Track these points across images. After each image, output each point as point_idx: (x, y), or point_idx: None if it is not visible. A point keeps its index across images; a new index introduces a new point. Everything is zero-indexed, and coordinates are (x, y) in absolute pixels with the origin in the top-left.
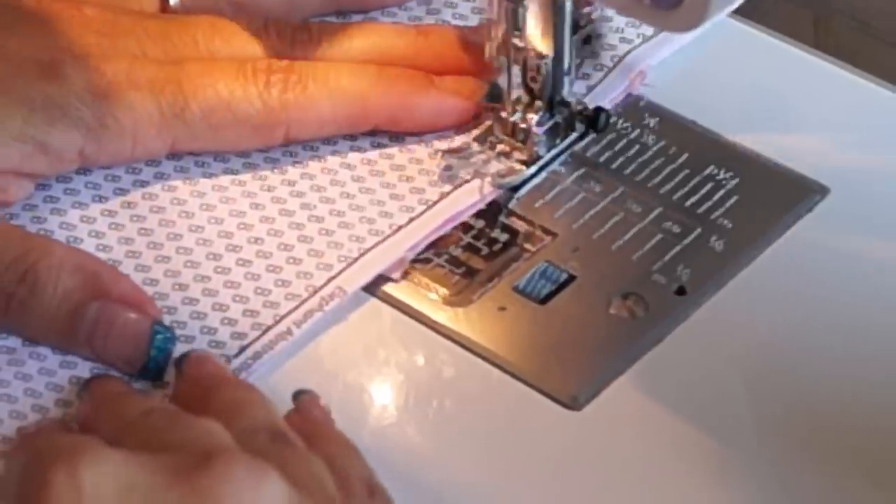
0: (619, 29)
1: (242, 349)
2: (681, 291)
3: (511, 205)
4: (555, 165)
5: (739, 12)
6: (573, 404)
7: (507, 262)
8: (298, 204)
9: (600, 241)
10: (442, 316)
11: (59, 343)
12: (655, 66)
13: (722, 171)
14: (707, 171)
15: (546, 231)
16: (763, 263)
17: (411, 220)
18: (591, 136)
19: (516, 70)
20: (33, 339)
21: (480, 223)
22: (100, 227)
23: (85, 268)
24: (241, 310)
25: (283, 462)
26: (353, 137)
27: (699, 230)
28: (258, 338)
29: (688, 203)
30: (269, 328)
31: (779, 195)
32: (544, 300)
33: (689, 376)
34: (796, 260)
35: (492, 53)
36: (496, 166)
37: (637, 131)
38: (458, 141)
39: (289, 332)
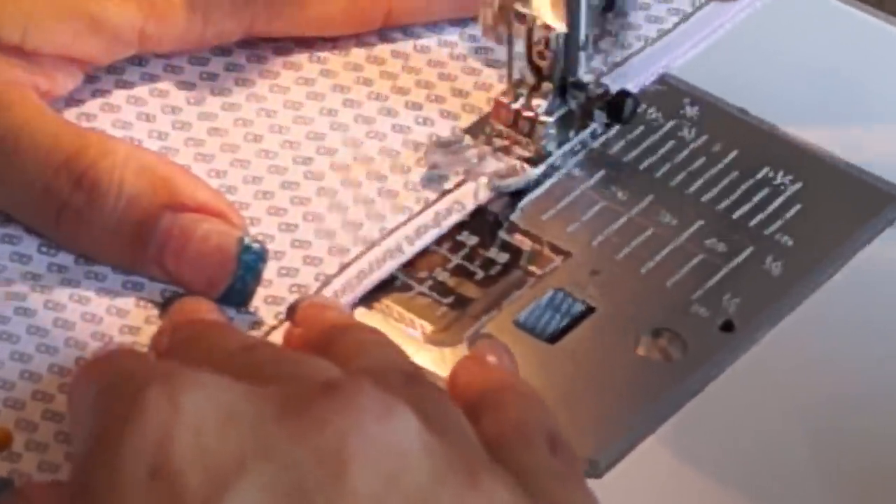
0: None
1: None
2: (727, 327)
3: (513, 216)
4: (568, 166)
5: None
6: (592, 471)
7: (507, 289)
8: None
9: (625, 263)
10: (425, 358)
11: (123, 261)
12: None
13: (780, 174)
14: (761, 175)
15: (556, 250)
16: (831, 291)
17: (372, 245)
18: (614, 128)
19: (519, 44)
20: (91, 256)
21: (474, 239)
22: (161, 126)
23: (154, 170)
24: None
25: (419, 403)
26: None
27: (751, 249)
28: None
29: (736, 215)
30: None
31: (852, 204)
32: (554, 338)
33: (737, 435)
34: (873, 286)
35: (488, 22)
36: (494, 165)
37: (672, 123)
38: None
39: None
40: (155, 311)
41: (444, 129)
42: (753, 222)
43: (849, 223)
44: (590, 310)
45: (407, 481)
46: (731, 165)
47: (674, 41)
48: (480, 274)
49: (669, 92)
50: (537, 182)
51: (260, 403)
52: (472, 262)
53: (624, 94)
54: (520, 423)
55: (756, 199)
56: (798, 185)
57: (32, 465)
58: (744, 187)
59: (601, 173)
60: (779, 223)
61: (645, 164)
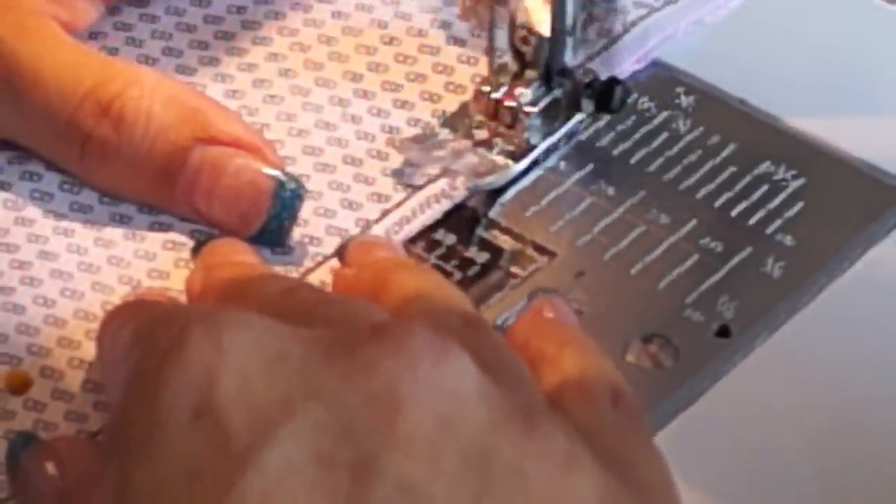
0: None
1: None
2: (724, 333)
3: (493, 213)
4: (553, 159)
5: None
6: None
7: (486, 291)
8: None
9: (614, 264)
10: None
11: (150, 197)
12: (691, 24)
13: (781, 169)
14: (761, 169)
15: (540, 249)
16: (836, 295)
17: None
18: (603, 118)
19: (500, 28)
20: (116, 192)
21: (451, 238)
22: (189, 62)
23: (185, 100)
24: None
25: (476, 348)
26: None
27: (749, 249)
28: None
29: (734, 212)
30: None
31: (858, 202)
32: None
33: (732, 448)
34: (881, 289)
35: (466, 4)
36: (473, 160)
37: (665, 114)
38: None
39: None
40: (184, 255)
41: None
42: (752, 221)
43: (855, 222)
44: (576, 314)
45: (462, 426)
46: (728, 159)
47: (665, 20)
48: (458, 275)
49: (663, 79)
50: (520, 177)
51: (308, 345)
52: (449, 262)
53: (613, 81)
54: (580, 376)
55: (755, 195)
56: (801, 181)
57: (59, 415)
58: (742, 183)
59: (589, 167)
60: (780, 222)
61: (636, 157)
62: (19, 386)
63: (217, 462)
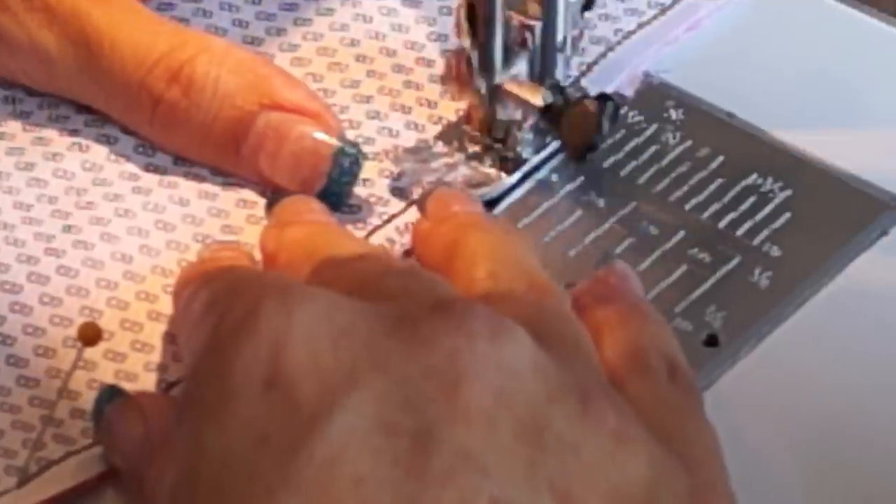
0: None
1: None
2: (712, 341)
3: None
4: (544, 172)
5: None
6: None
7: None
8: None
9: None
10: None
11: (217, 159)
12: (681, 39)
13: (768, 181)
14: (748, 181)
15: None
16: (822, 304)
17: None
18: (594, 133)
19: (494, 43)
20: (184, 155)
21: None
22: (256, 32)
23: (251, 68)
24: None
25: (537, 317)
26: None
27: (737, 259)
28: None
29: (722, 223)
30: None
31: (844, 213)
32: None
33: (725, 451)
34: (864, 298)
35: (459, 19)
36: (466, 173)
37: (655, 127)
38: (414, 138)
39: None
40: (256, 212)
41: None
42: (740, 231)
43: (841, 233)
44: None
45: (518, 400)
46: (716, 172)
47: (654, 34)
48: None
49: (652, 94)
50: (512, 189)
51: (373, 320)
52: None
53: (604, 97)
54: (639, 348)
55: (743, 207)
56: (787, 193)
57: (139, 365)
58: (730, 195)
59: (580, 180)
60: (767, 232)
61: (626, 169)
62: (91, 336)
63: (284, 429)
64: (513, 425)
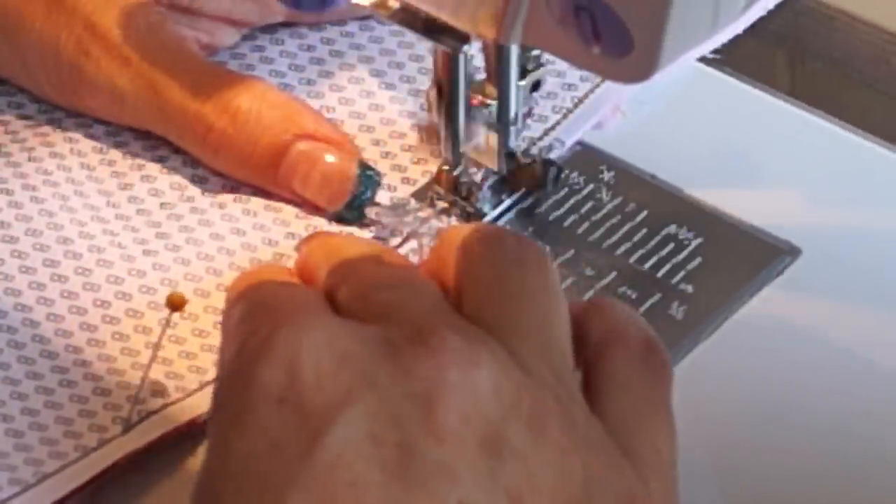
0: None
1: None
2: None
3: None
4: (500, 224)
5: (702, 56)
6: None
7: None
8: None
9: None
10: None
11: (256, 179)
12: (609, 118)
13: (683, 231)
14: (667, 231)
15: None
16: (727, 333)
17: None
18: (541, 191)
19: (459, 119)
20: (229, 175)
21: None
22: (310, 75)
23: (288, 103)
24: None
25: (510, 349)
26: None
27: (658, 296)
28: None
29: (646, 266)
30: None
31: (745, 257)
32: None
33: None
34: (765, 328)
35: (430, 101)
36: (436, 224)
37: (591, 186)
38: (393, 198)
39: None
40: (292, 228)
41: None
42: (660, 273)
43: (744, 273)
44: None
45: (479, 419)
46: (641, 223)
47: (588, 111)
48: None
49: (588, 158)
50: None
51: (368, 346)
52: None
53: (548, 162)
54: (619, 324)
55: (663, 252)
56: (699, 241)
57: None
58: (652, 242)
59: (530, 230)
60: (682, 273)
61: (567, 221)
62: (178, 303)
63: (293, 437)
64: (477, 440)
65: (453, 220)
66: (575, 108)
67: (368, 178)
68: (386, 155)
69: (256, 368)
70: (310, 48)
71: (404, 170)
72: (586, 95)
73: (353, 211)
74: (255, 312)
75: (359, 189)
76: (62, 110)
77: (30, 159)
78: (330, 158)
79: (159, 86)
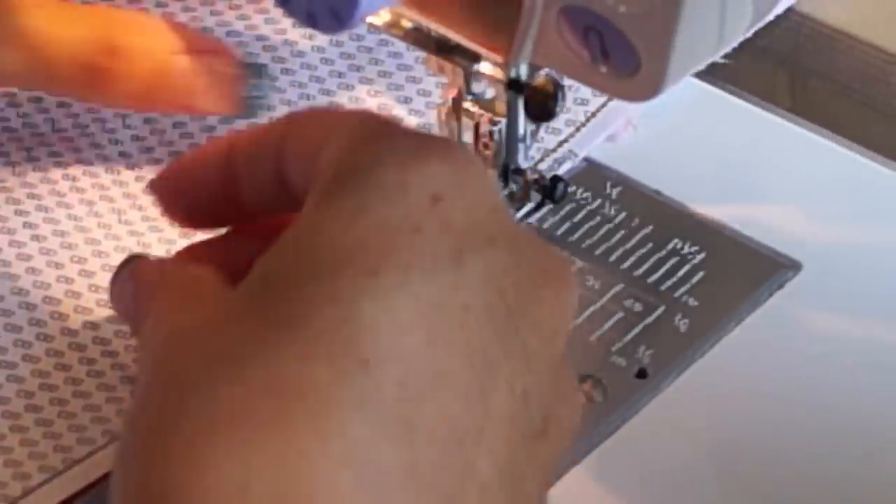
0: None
1: None
2: (642, 374)
3: None
4: None
5: (707, 73)
6: None
7: None
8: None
9: None
10: None
11: (145, 105)
12: (618, 134)
13: (687, 245)
14: (671, 245)
15: None
16: (730, 344)
17: None
18: (548, 206)
19: (468, 137)
20: (122, 107)
21: None
22: (330, 86)
23: (155, 28)
24: None
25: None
26: None
27: (662, 308)
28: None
29: (650, 279)
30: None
31: (747, 271)
32: None
33: (650, 466)
34: (766, 340)
35: (441, 117)
36: None
37: (598, 201)
38: None
39: None
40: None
41: None
42: (664, 286)
43: (745, 287)
44: None
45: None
46: (646, 238)
47: (599, 124)
48: None
49: (595, 175)
50: None
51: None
52: None
53: (556, 178)
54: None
55: (667, 266)
56: (702, 255)
57: None
58: (657, 256)
59: None
60: (686, 287)
61: (574, 236)
62: None
63: (436, 234)
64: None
65: None
66: (587, 121)
67: (257, 65)
68: None
69: (428, 156)
70: (328, 62)
71: None
72: (598, 110)
73: (251, 110)
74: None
75: (250, 86)
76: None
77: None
78: (215, 66)
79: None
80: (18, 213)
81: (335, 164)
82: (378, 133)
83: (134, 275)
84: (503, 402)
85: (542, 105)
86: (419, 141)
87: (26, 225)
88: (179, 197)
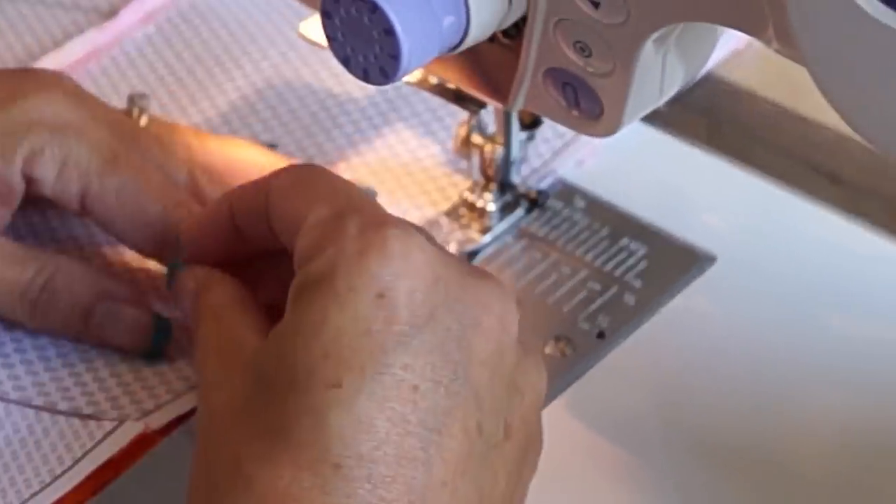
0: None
1: None
2: (601, 335)
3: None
4: (505, 236)
5: (650, 119)
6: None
7: None
8: None
9: (539, 296)
10: None
11: (74, 334)
12: (585, 160)
13: (633, 243)
14: (622, 243)
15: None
16: (665, 315)
17: None
18: (534, 212)
19: (476, 160)
20: (55, 332)
21: None
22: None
23: (84, 273)
24: None
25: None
26: None
27: (615, 288)
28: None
29: (606, 267)
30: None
31: (677, 262)
32: None
33: (608, 404)
34: (691, 313)
35: (458, 146)
36: (459, 236)
37: (569, 210)
38: (433, 214)
39: None
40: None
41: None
42: (617, 272)
43: (676, 273)
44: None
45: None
46: (604, 237)
47: (573, 151)
48: None
49: (568, 190)
50: (485, 246)
51: (454, 273)
52: None
53: (540, 192)
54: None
55: (619, 257)
56: (645, 249)
57: None
58: (612, 250)
59: (524, 241)
60: (633, 273)
61: (552, 235)
62: None
63: (383, 330)
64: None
65: (471, 233)
66: (563, 148)
67: (163, 324)
68: (419, 185)
69: (369, 259)
70: (375, 105)
71: (430, 193)
72: (571, 142)
73: (155, 354)
74: (364, 223)
75: (156, 337)
76: None
77: None
78: (129, 314)
79: None
80: None
81: (305, 266)
82: (337, 227)
83: (194, 292)
84: (459, 443)
85: (531, 115)
86: (363, 240)
87: None
88: (203, 250)
